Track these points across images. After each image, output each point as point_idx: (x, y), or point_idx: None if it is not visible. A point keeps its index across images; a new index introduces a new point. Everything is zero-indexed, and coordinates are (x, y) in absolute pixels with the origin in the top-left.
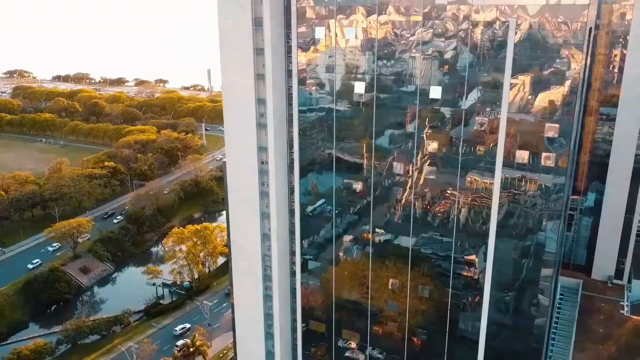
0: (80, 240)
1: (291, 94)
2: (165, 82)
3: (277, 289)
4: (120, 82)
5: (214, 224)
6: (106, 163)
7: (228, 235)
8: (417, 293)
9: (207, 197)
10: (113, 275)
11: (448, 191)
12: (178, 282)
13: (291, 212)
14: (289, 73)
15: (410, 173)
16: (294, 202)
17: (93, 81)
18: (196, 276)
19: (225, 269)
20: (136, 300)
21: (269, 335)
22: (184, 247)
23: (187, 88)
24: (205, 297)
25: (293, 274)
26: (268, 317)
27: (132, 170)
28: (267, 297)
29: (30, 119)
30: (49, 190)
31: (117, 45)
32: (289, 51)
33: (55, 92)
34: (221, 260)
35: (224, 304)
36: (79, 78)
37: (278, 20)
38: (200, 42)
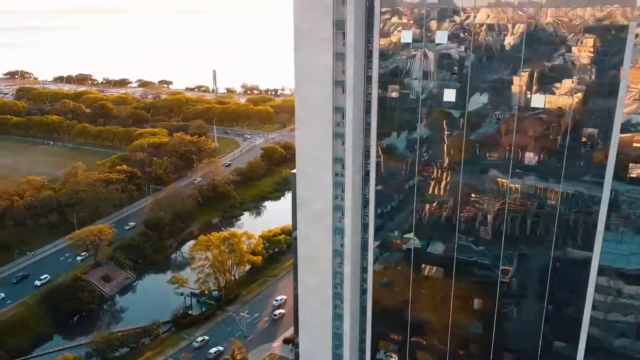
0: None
1: (369, 101)
2: (169, 83)
3: (348, 308)
4: (123, 83)
5: (240, 231)
6: (121, 167)
7: (295, 250)
8: (504, 313)
9: (224, 202)
10: (135, 284)
11: (546, 205)
12: (206, 292)
13: (364, 226)
14: (368, 79)
15: (506, 187)
16: (367, 216)
17: (96, 82)
18: (222, 285)
19: (252, 277)
20: (162, 309)
21: (336, 356)
22: (209, 255)
23: (191, 89)
24: (235, 307)
25: (364, 292)
26: (337, 337)
27: (147, 174)
28: (337, 316)
29: (37, 121)
30: (65, 196)
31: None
32: (368, 56)
33: (60, 94)
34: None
35: (256, 314)
36: (81, 79)
37: (360, 23)
38: (199, 41)
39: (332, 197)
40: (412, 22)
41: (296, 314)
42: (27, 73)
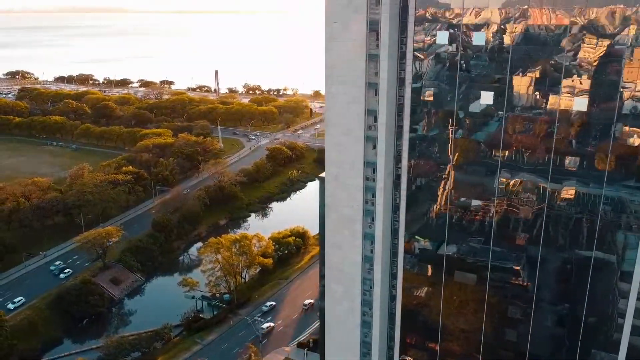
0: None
1: (401, 104)
2: (171, 83)
3: (377, 315)
4: (124, 83)
5: (251, 233)
6: (126, 168)
7: (321, 256)
8: (540, 321)
9: (231, 203)
10: (144, 286)
11: (587, 210)
12: (217, 295)
13: (394, 231)
14: (400, 81)
15: (545, 191)
16: (397, 221)
17: (97, 82)
18: (233, 287)
19: (262, 280)
20: (171, 313)
21: None
22: (219, 257)
23: (193, 89)
24: (247, 311)
25: (392, 298)
26: (365, 344)
27: (153, 176)
28: (365, 324)
29: (40, 121)
30: (72, 197)
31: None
32: (401, 57)
33: (62, 94)
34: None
35: (268, 318)
36: (82, 79)
37: (393, 24)
38: (197, 42)
39: (363, 202)
40: (448, 22)
41: (322, 320)
42: (27, 73)
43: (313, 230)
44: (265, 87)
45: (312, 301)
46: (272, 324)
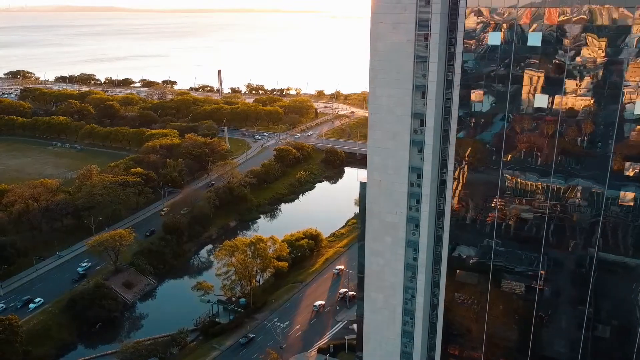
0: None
1: (449, 107)
2: (173, 83)
3: (420, 325)
4: (127, 83)
5: (262, 235)
6: (135, 169)
7: (360, 263)
8: (594, 334)
9: (240, 205)
10: (156, 290)
11: None
12: (233, 299)
13: (437, 238)
14: (448, 83)
15: (602, 198)
16: (441, 228)
17: (99, 82)
18: (248, 291)
19: (277, 283)
20: (186, 317)
21: None
22: (234, 260)
23: (196, 89)
24: (263, 315)
25: (434, 307)
26: (405, 355)
27: (161, 177)
28: (406, 333)
29: (44, 122)
30: (82, 199)
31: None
32: (449, 59)
33: (65, 94)
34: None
35: (286, 322)
36: (84, 79)
37: (442, 24)
38: (195, 43)
39: (407, 208)
40: (501, 22)
41: (360, 330)
42: (28, 73)
43: (325, 232)
44: (268, 87)
45: (322, 302)
46: (323, 302)
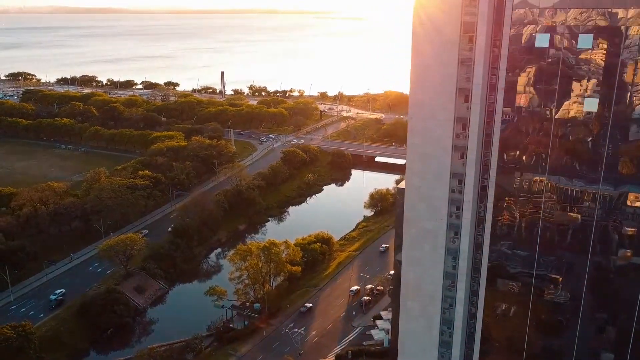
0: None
1: (491, 110)
2: (176, 84)
3: (459, 335)
4: (129, 84)
5: (272, 239)
6: (144, 172)
7: (396, 271)
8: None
9: (249, 208)
10: (167, 295)
11: None
12: (247, 304)
13: (476, 246)
14: (491, 86)
15: None
16: (480, 235)
17: (100, 84)
18: (261, 296)
19: (290, 288)
20: (198, 322)
21: None
22: (247, 264)
23: (198, 91)
24: (278, 320)
25: (472, 316)
26: None
27: (169, 179)
28: (443, 343)
29: (48, 124)
30: (91, 203)
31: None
32: (493, 61)
33: (68, 96)
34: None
35: (302, 327)
36: (85, 81)
37: (488, 25)
38: (190, 46)
39: (447, 214)
40: (549, 24)
41: (395, 339)
42: (29, 74)
43: (335, 235)
44: (271, 89)
45: (358, 287)
46: (358, 287)
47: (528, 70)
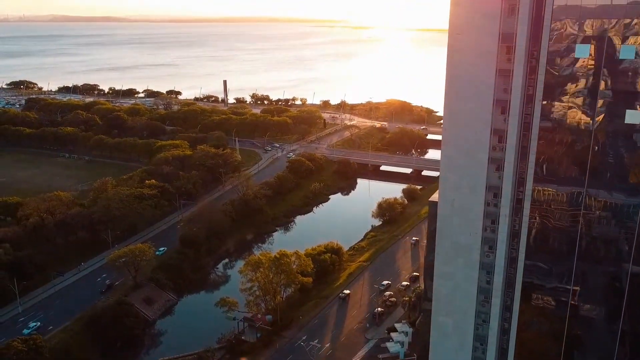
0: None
1: (527, 122)
2: (178, 93)
3: (493, 351)
4: (131, 93)
5: (284, 249)
6: (150, 182)
7: (427, 285)
8: None
9: (256, 217)
10: (176, 306)
11: None
12: (259, 315)
13: (511, 260)
14: (528, 97)
15: None
16: (515, 249)
17: (102, 92)
18: (272, 307)
19: (301, 299)
20: (209, 334)
21: None
22: (257, 275)
23: (201, 99)
24: (291, 332)
25: (504, 332)
26: None
27: (176, 189)
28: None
29: (52, 132)
30: (98, 212)
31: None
32: (530, 72)
33: (70, 104)
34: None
35: (315, 340)
36: (87, 89)
37: (525, 36)
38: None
39: (482, 228)
40: (590, 34)
41: (425, 355)
42: (31, 83)
43: (343, 244)
44: (273, 97)
45: (389, 282)
46: (389, 282)
47: (566, 81)
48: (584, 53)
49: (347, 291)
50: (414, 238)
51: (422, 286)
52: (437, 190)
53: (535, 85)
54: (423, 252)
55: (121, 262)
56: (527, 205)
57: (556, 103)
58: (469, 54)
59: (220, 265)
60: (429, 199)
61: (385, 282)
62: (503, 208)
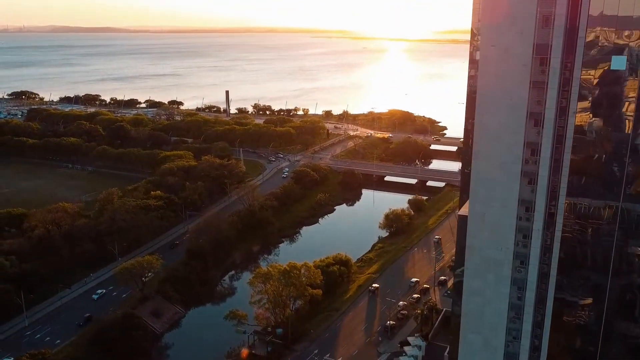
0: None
1: (560, 135)
2: (180, 103)
3: None
4: (132, 103)
5: (290, 261)
6: (155, 193)
7: (456, 301)
8: None
9: (263, 229)
10: (184, 319)
11: None
12: (269, 329)
13: (542, 276)
14: (561, 110)
15: None
16: (547, 264)
17: (104, 102)
18: (282, 320)
19: (311, 311)
20: (218, 348)
21: None
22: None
23: (202, 110)
24: (303, 346)
25: (534, 349)
26: None
27: (181, 200)
28: None
29: (55, 143)
30: (105, 224)
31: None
32: (564, 84)
33: (73, 115)
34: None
35: (327, 354)
36: (89, 99)
37: (560, 47)
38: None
39: (514, 243)
40: (627, 45)
41: None
42: (32, 93)
43: (350, 256)
44: (275, 107)
45: (418, 280)
46: (418, 279)
47: (601, 93)
48: (621, 64)
49: (375, 285)
50: (436, 236)
51: (434, 299)
52: (461, 204)
53: (569, 97)
54: (433, 261)
55: (127, 274)
56: (559, 219)
57: (590, 115)
58: (501, 65)
59: (226, 278)
60: (458, 213)
61: (414, 280)
62: (536, 222)
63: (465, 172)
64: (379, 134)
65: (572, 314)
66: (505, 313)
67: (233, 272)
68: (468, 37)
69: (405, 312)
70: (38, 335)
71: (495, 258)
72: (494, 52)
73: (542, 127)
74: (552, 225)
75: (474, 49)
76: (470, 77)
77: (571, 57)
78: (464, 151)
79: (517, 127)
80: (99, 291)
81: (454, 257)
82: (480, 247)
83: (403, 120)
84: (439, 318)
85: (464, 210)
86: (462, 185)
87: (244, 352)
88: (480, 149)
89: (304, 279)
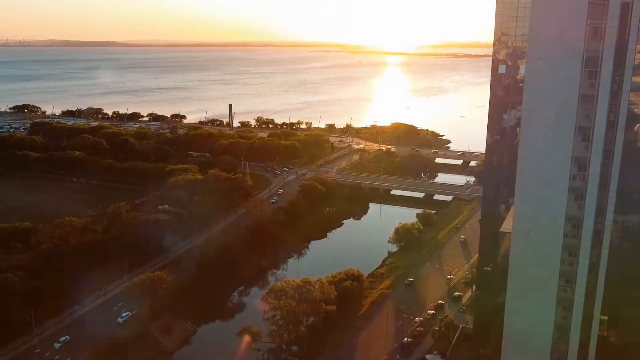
0: None
1: (608, 149)
2: (182, 117)
3: None
4: (135, 117)
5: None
6: (162, 206)
7: (498, 320)
8: None
9: (272, 243)
10: (195, 335)
11: None
12: (284, 346)
13: (587, 295)
14: (610, 124)
15: None
16: (593, 283)
17: (107, 116)
18: (295, 337)
19: (325, 328)
20: None
21: None
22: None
23: (205, 123)
24: None
25: None
26: None
27: (189, 214)
28: None
29: (60, 157)
30: (114, 239)
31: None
32: (612, 98)
33: (77, 128)
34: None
35: None
36: (92, 113)
37: (611, 60)
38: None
39: (560, 262)
40: None
41: None
42: (35, 107)
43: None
44: (278, 121)
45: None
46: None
47: None
48: None
49: (410, 278)
50: (462, 237)
51: (449, 314)
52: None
53: (618, 111)
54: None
55: (138, 290)
56: (606, 237)
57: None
58: (549, 79)
59: (235, 293)
60: (500, 230)
61: (449, 277)
62: (584, 240)
63: (488, 183)
64: (384, 147)
65: (620, 334)
66: (550, 333)
67: (242, 287)
68: (466, 51)
69: (422, 328)
70: (48, 354)
71: (540, 276)
72: (542, 65)
73: (592, 142)
74: (598, 242)
75: (495, 61)
76: (492, 90)
77: (619, 69)
78: (486, 164)
79: (565, 143)
80: (125, 314)
81: (467, 273)
82: (525, 265)
83: (407, 134)
84: (456, 335)
85: (506, 227)
86: (484, 198)
87: None
88: (527, 165)
89: (317, 294)
